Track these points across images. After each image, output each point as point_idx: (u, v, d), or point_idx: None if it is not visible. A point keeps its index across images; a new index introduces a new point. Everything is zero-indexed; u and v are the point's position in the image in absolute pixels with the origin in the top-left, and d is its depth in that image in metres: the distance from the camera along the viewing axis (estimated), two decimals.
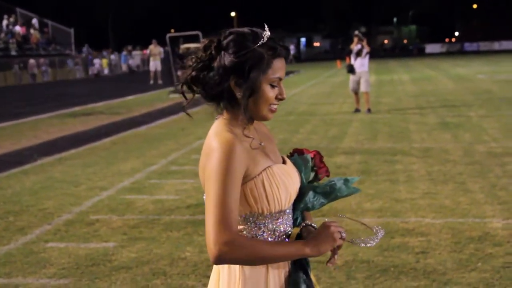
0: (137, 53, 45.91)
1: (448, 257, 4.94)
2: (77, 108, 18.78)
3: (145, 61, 42.79)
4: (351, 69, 14.98)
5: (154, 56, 29.69)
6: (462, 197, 6.73)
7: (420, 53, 73.38)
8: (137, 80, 33.70)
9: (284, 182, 1.93)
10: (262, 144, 1.98)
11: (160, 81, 29.40)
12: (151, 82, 29.65)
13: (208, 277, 4.68)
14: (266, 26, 1.94)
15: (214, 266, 2.00)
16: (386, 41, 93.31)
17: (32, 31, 37.83)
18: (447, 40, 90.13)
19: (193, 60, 1.95)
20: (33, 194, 7.58)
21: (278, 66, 1.92)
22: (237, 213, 1.86)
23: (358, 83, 14.92)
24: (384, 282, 4.50)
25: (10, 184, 8.21)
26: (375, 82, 23.55)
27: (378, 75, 29.39)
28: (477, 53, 66.25)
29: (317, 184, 2.10)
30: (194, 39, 27.89)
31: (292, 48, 60.77)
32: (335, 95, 20.12)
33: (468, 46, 77.62)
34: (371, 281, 4.53)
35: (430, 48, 77.53)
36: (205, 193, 1.92)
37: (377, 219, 6.01)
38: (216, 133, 1.91)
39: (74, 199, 7.23)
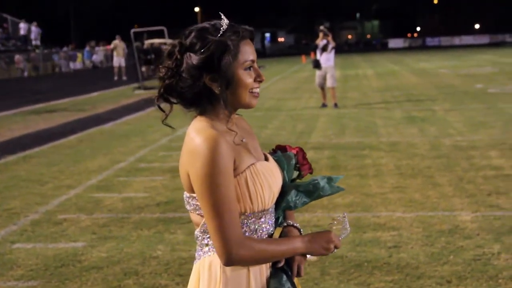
0: (100, 49, 45.28)
1: (420, 251, 4.98)
2: (40, 105, 18.42)
3: (109, 57, 42.22)
4: (317, 64, 15.01)
5: (118, 52, 29.31)
6: (431, 190, 6.80)
7: (384, 48, 74.15)
8: (101, 76, 33.26)
9: (268, 180, 1.90)
10: (244, 140, 1.94)
11: (124, 77, 29.05)
12: (116, 78, 29.28)
13: (181, 275, 4.65)
14: (222, 15, 1.91)
15: (194, 266, 1.96)
16: (350, 36, 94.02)
17: None
18: (409, 35, 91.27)
19: (162, 70, 1.91)
20: None
21: (246, 49, 1.89)
22: (237, 211, 1.84)
23: (324, 78, 14.96)
24: (359, 277, 4.50)
25: None
26: (341, 77, 23.68)
27: (343, 70, 29.58)
28: (439, 48, 67.25)
29: (300, 182, 2.06)
30: (159, 34, 27.66)
31: None
32: (301, 91, 20.17)
33: (430, 41, 78.77)
34: (345, 276, 4.53)
35: (393, 43, 78.41)
36: (194, 194, 1.87)
37: (349, 214, 6.02)
38: (197, 130, 1.85)
39: (41, 198, 7.07)
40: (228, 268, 1.87)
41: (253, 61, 1.90)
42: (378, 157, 8.67)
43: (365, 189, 6.94)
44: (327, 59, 14.89)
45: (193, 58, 1.85)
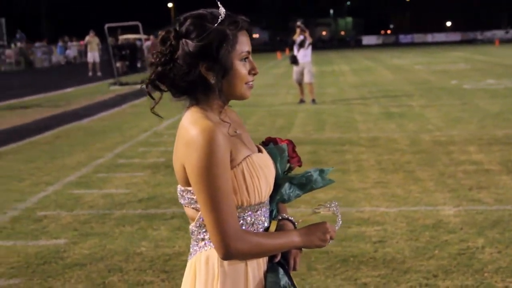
0: (73, 44, 44.72)
1: (405, 245, 4.99)
2: (13, 101, 18.12)
3: (82, 52, 41.73)
4: (294, 60, 15.00)
5: (92, 47, 28.96)
6: (413, 185, 6.83)
7: (357, 45, 74.53)
8: (75, 72, 32.85)
9: (264, 172, 1.87)
10: (238, 132, 1.90)
11: (99, 73, 28.73)
12: (90, 74, 28.94)
13: (166, 272, 4.60)
14: (219, 3, 1.87)
15: (189, 262, 1.92)
16: (324, 33, 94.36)
17: None
18: (382, 32, 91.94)
19: (155, 56, 1.85)
20: None
21: (244, 40, 1.85)
22: (234, 204, 1.80)
23: (301, 74, 14.96)
24: (345, 272, 4.50)
25: None
26: (317, 73, 23.71)
27: (319, 66, 29.64)
28: (412, 44, 67.79)
29: (293, 175, 2.04)
30: (134, 30, 27.41)
31: None
32: (278, 86, 20.16)
33: (403, 38, 79.37)
34: (332, 271, 4.52)
35: (367, 40, 78.86)
36: (189, 187, 1.83)
37: None
38: (192, 121, 1.80)
39: (19, 195, 6.94)
40: (226, 263, 1.83)
41: (248, 53, 1.87)
42: (358, 153, 8.69)
43: (347, 184, 6.94)
44: (304, 55, 14.88)
45: (190, 45, 1.80)
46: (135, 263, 4.78)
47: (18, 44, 39.97)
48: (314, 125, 11.53)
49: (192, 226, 1.89)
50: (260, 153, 1.93)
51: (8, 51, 38.33)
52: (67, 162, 8.72)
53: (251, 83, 1.89)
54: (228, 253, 1.78)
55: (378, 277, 4.39)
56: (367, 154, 8.59)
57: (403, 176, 7.25)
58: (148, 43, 32.27)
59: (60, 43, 43.81)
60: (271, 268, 1.90)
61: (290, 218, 1.99)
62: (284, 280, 1.89)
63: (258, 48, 70.40)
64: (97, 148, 9.78)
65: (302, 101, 15.13)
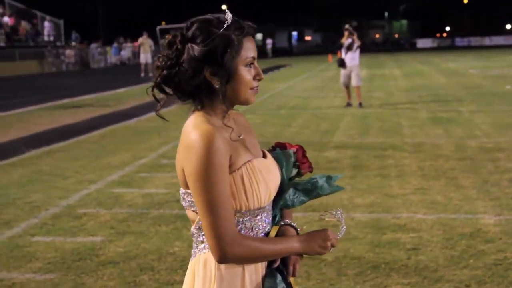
0: (127, 45, 45.59)
1: (439, 253, 4.89)
2: (66, 100, 18.60)
3: (136, 54, 42.50)
4: (341, 63, 14.91)
5: (145, 49, 29.46)
6: (454, 192, 6.68)
7: (412, 48, 73.45)
8: (128, 73, 33.48)
9: (264, 178, 1.86)
10: (241, 136, 1.91)
11: (150, 74, 29.13)
12: (142, 74, 29.43)
13: None
14: (226, 9, 1.89)
15: (190, 263, 1.94)
16: (377, 36, 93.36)
17: (22, 22, 37.48)
18: (438, 35, 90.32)
19: (160, 59, 1.87)
20: (20, 187, 7.47)
21: (249, 45, 1.87)
22: (232, 208, 1.81)
23: (349, 77, 14.85)
24: (375, 279, 4.44)
25: None
26: (367, 77, 23.52)
27: (369, 69, 29.37)
28: (468, 48, 66.40)
29: (299, 181, 2.03)
30: None
31: (269, 42, 60.58)
32: (327, 89, 20.06)
33: (459, 41, 77.82)
34: (361, 277, 4.47)
35: (422, 43, 77.63)
36: (190, 190, 1.84)
37: (368, 215, 5.95)
38: (194, 126, 1.83)
39: (62, 192, 7.12)
40: (223, 266, 1.84)
41: (254, 58, 1.88)
42: (401, 158, 8.56)
43: (386, 189, 6.85)
44: (352, 58, 14.77)
45: (195, 50, 1.82)
46: (167, 263, 4.84)
47: (73, 44, 41.06)
48: (359, 129, 11.42)
49: (192, 229, 1.91)
50: (263, 158, 1.93)
51: (68, 52, 39.42)
52: (112, 161, 8.90)
53: (256, 88, 1.90)
54: (223, 257, 1.79)
55: (408, 285, 4.32)
56: (409, 159, 8.45)
57: (445, 183, 7.10)
58: None
59: (115, 44, 44.71)
60: (270, 273, 1.90)
61: (292, 224, 1.98)
62: (281, 286, 1.89)
63: (310, 51, 70.28)
64: (141, 148, 9.95)
65: (349, 104, 15.01)
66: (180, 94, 1.89)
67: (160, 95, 1.91)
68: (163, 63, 1.87)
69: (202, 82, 1.84)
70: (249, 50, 1.86)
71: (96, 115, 14.80)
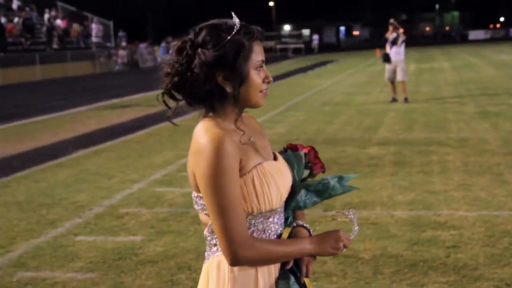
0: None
1: (480, 251, 4.79)
2: (115, 100, 18.97)
3: None
4: (386, 58, 14.75)
5: None
6: (498, 189, 6.53)
7: (463, 40, 71.86)
8: None
9: (275, 180, 1.87)
10: (252, 139, 1.92)
11: None
12: None
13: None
14: (233, 13, 1.90)
15: (203, 266, 1.97)
16: (428, 29, 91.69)
17: (73, 24, 38.38)
18: (491, 26, 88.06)
19: (170, 66, 1.89)
20: (66, 187, 7.66)
21: (258, 49, 1.89)
22: (243, 211, 1.82)
23: (394, 72, 14.67)
24: (412, 277, 4.39)
25: (44, 177, 8.32)
26: (415, 71, 23.16)
27: (418, 63, 28.90)
28: None
29: (310, 182, 2.04)
30: None
31: (316, 38, 60.35)
32: (372, 85, 19.84)
33: None
34: (398, 276, 4.42)
35: (474, 34, 75.87)
36: (200, 193, 1.87)
37: (408, 212, 5.88)
38: (204, 130, 1.85)
39: (106, 192, 7.28)
40: (236, 268, 1.86)
41: (263, 62, 1.90)
42: (445, 154, 8.41)
43: (428, 186, 6.75)
44: (397, 52, 14.58)
45: (207, 55, 1.83)
46: None
47: (123, 44, 41.79)
48: (403, 124, 11.27)
49: (205, 232, 1.94)
50: (273, 161, 1.94)
51: (121, 52, 40.16)
52: (155, 160, 9.04)
53: (265, 91, 1.92)
54: (235, 259, 1.81)
55: (446, 284, 4.25)
56: (453, 155, 8.29)
57: (489, 179, 6.94)
58: None
59: (163, 44, 45.28)
60: (283, 275, 1.91)
61: (305, 225, 1.98)
62: (294, 287, 1.90)
63: (358, 46, 69.60)
64: (184, 147, 10.06)
65: (394, 99, 14.82)
66: (191, 99, 1.91)
67: (171, 103, 1.93)
68: (174, 69, 1.88)
69: (214, 87, 1.86)
70: (258, 53, 1.88)
71: (143, 115, 15.04)
